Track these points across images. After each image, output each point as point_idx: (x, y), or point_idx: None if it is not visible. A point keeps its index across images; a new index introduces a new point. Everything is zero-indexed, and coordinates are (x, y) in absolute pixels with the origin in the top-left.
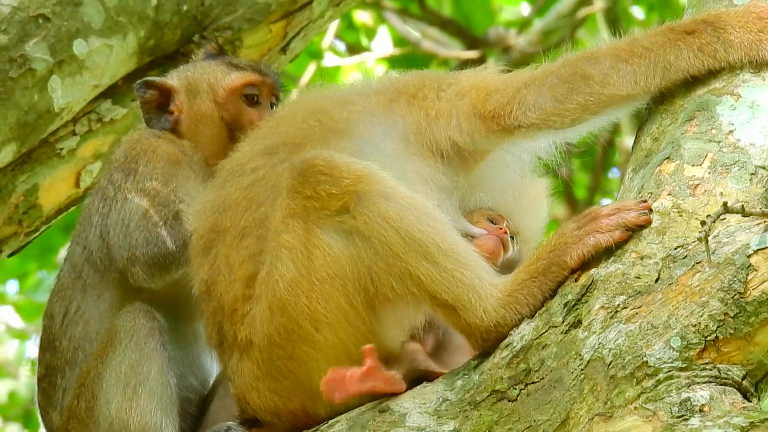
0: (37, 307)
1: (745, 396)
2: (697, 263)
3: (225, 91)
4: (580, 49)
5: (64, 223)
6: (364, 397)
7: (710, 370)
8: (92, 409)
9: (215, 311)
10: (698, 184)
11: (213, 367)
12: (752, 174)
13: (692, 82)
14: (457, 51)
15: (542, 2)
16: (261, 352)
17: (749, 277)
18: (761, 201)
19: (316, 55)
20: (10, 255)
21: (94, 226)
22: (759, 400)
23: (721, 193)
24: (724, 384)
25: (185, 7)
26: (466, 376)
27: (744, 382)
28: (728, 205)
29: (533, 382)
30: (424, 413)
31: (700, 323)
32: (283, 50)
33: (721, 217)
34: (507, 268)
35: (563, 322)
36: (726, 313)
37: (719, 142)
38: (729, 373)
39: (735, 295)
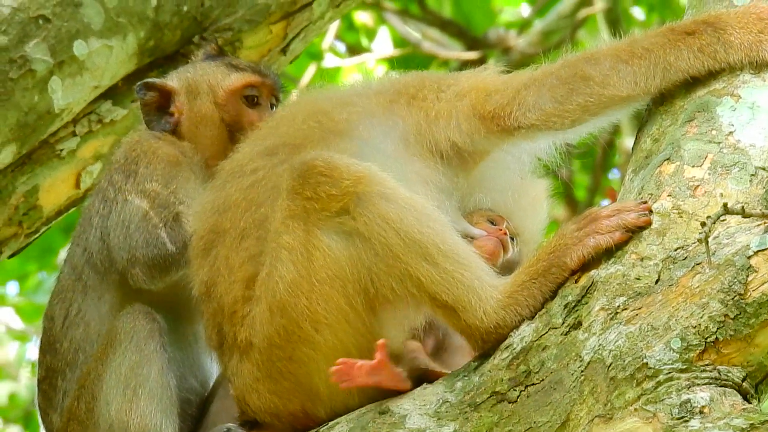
0: (38, 309)
1: (746, 398)
2: (698, 264)
3: (225, 92)
4: (580, 50)
5: (65, 224)
6: (364, 398)
7: (710, 371)
8: (92, 411)
9: (215, 312)
10: (698, 185)
11: (213, 369)
12: (752, 175)
13: (692, 83)
14: (457, 52)
15: (542, 3)
16: (261, 354)
17: (749, 279)
18: (761, 202)
19: (317, 56)
20: (11, 256)
21: (94, 228)
22: (759, 401)
23: (722, 195)
24: (725, 385)
25: (185, 8)
26: (466, 378)
27: (744, 383)
28: (728, 206)
29: (533, 384)
30: (424, 415)
31: (700, 325)
32: (283, 51)
33: (721, 218)
34: (507, 269)
35: (563, 323)
36: (726, 315)
37: (719, 143)
38: (729, 374)
39: (735, 296)
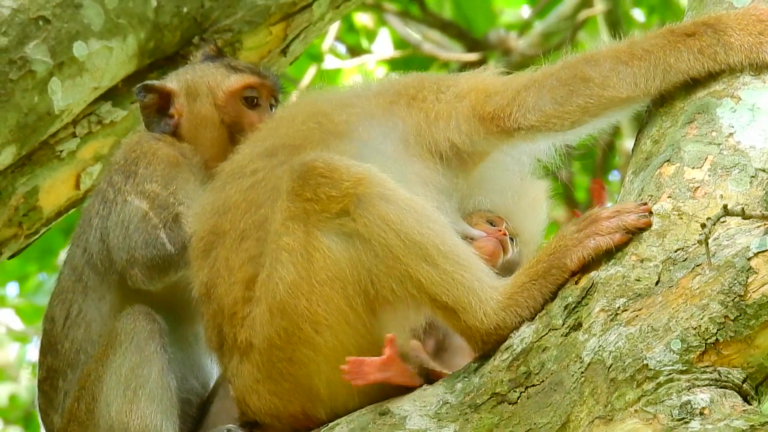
0: (38, 310)
1: (746, 399)
2: (698, 266)
3: (225, 94)
4: (580, 51)
5: (65, 225)
6: (365, 400)
7: (710, 373)
8: (93, 412)
9: (215, 314)
10: (698, 187)
11: (213, 369)
12: (752, 177)
13: (692, 84)
14: (457, 53)
15: (543, 4)
16: (261, 355)
17: (749, 280)
18: (761, 204)
19: (317, 57)
20: (11, 257)
21: (94, 229)
22: (759, 403)
23: (722, 196)
24: (725, 387)
25: (185, 9)
26: (466, 379)
27: (744, 385)
28: (728, 207)
29: (533, 385)
30: (424, 416)
31: (700, 326)
32: (283, 52)
33: (722, 219)
34: (507, 269)
35: (563, 324)
36: (726, 316)
37: (719, 144)
38: (729, 376)
39: (735, 297)
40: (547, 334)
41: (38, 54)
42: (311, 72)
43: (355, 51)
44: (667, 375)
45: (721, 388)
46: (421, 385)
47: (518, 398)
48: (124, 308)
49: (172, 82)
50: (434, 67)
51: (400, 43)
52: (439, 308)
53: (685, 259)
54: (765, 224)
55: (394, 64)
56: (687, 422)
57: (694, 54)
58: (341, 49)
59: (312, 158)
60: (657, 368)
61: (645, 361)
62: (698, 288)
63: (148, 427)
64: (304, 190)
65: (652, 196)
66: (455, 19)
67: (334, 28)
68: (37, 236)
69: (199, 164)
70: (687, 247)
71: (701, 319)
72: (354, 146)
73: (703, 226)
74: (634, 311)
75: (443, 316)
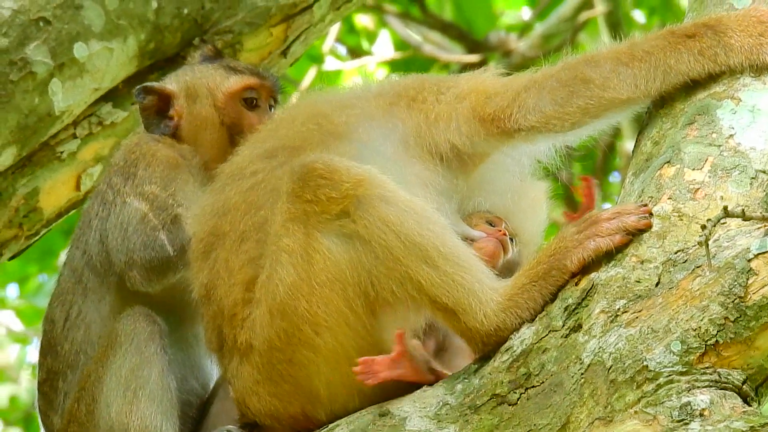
0: (38, 312)
1: (746, 400)
2: (698, 267)
3: (224, 95)
4: (581, 52)
5: (65, 226)
6: (365, 401)
7: (710, 374)
8: (93, 413)
9: (215, 315)
10: (699, 188)
11: (213, 370)
12: (753, 178)
13: (693, 86)
14: (458, 55)
15: (543, 6)
16: (261, 356)
17: (750, 282)
18: (762, 205)
19: (317, 58)
20: (11, 258)
21: (93, 230)
22: (759, 404)
23: (722, 197)
24: (725, 388)
25: (186, 11)
26: (466, 380)
27: (744, 386)
28: (729, 209)
29: (533, 386)
30: (424, 417)
31: (700, 327)
32: (284, 54)
33: (722, 221)
34: (506, 269)
35: (563, 326)
36: (726, 318)
37: (720, 146)
38: (729, 377)
39: (735, 299)
40: (547, 335)
41: (39, 55)
42: (312, 73)
43: (355, 52)
44: (667, 376)
45: (721, 389)
46: (431, 382)
47: (518, 399)
48: (123, 310)
49: (171, 83)
50: (435, 68)
51: (401, 44)
52: (439, 310)
53: (686, 260)
54: (765, 226)
55: (395, 66)
56: (687, 423)
57: (695, 55)
58: (342, 50)
59: (312, 160)
60: (657, 369)
61: (645, 363)
62: (698, 289)
63: (148, 428)
64: (304, 192)
65: (652, 197)
66: (456, 20)
67: (335, 29)
68: (37, 237)
69: (198, 166)
70: (687, 248)
71: (701, 320)
72: (354, 148)
73: (704, 227)
74: (634, 313)
75: (443, 318)
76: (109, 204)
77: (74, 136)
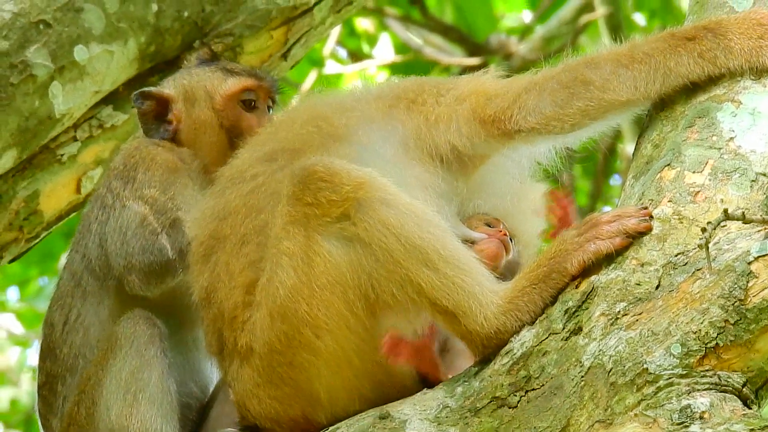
0: (38, 315)
1: (746, 403)
2: (698, 270)
3: (223, 97)
4: (581, 54)
5: (65, 229)
6: (365, 404)
7: (710, 377)
8: (92, 416)
9: (215, 318)
10: (699, 191)
11: (213, 374)
12: (753, 181)
13: (693, 88)
14: (458, 58)
15: (544, 9)
16: (261, 359)
17: (750, 284)
18: (762, 208)
19: (318, 61)
20: (11, 261)
21: (92, 234)
22: (759, 407)
23: (722, 200)
24: (725, 391)
25: (186, 14)
26: (466, 383)
27: (744, 389)
28: (729, 212)
29: (533, 389)
30: (424, 420)
31: (700, 330)
32: (284, 56)
33: (722, 224)
34: (507, 270)
35: (564, 328)
36: (726, 320)
37: (720, 149)
38: (729, 380)
39: (735, 302)
40: (547, 338)
41: (39, 58)
42: (312, 77)
43: (356, 55)
44: (667, 379)
45: (721, 392)
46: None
47: (518, 402)
48: (122, 313)
49: (169, 88)
50: (435, 71)
51: (402, 47)
52: (439, 312)
53: (686, 263)
54: (765, 228)
55: (396, 69)
56: (687, 426)
57: (695, 58)
58: (342, 53)
59: (312, 162)
60: (657, 372)
61: (645, 365)
62: (698, 292)
63: (148, 431)
64: (305, 195)
65: (652, 200)
66: (456, 23)
67: (335, 32)
68: (37, 240)
69: (198, 169)
70: (687, 251)
71: (701, 323)
72: (354, 150)
73: (704, 230)
74: (634, 315)
75: (443, 321)
76: (108, 208)
77: (74, 139)
